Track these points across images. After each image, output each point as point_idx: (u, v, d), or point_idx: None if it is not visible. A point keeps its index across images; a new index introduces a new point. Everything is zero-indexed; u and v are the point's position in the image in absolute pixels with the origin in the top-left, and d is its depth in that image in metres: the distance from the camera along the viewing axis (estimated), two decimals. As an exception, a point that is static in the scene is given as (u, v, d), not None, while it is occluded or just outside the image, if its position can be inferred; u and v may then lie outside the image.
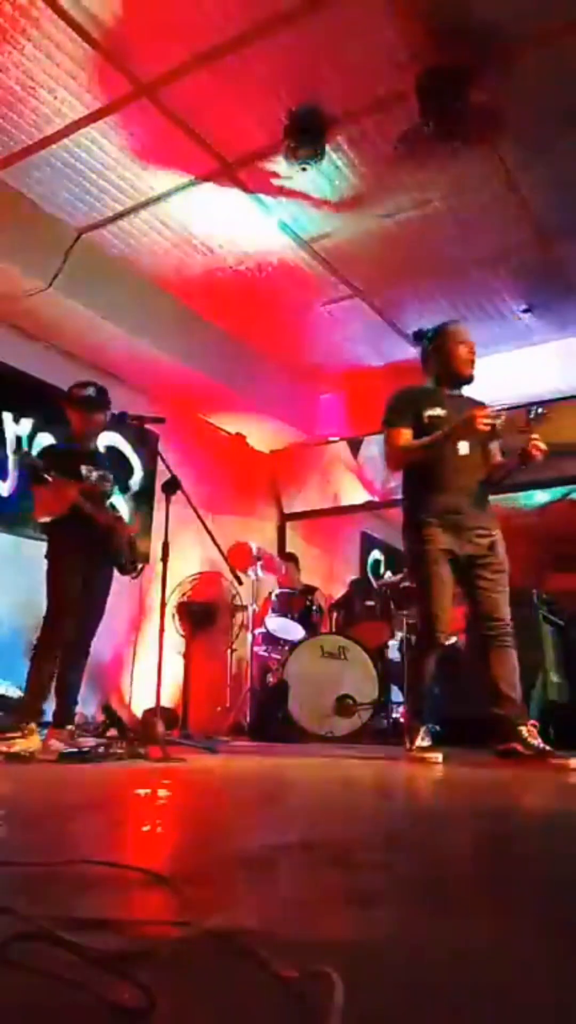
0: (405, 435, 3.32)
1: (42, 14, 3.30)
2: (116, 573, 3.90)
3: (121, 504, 3.93)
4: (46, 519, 3.72)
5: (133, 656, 5.48)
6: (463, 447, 3.29)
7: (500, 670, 3.13)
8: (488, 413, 3.08)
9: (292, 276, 5.23)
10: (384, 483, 9.00)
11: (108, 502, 3.98)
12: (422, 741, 3.25)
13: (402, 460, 3.37)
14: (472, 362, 3.37)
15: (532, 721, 3.12)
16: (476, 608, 3.26)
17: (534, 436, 3.14)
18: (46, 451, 4.05)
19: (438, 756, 3.15)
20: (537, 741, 3.02)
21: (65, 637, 3.64)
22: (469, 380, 3.41)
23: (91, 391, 3.89)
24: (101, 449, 5.58)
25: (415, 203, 4.47)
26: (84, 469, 3.80)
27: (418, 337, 3.53)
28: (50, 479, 3.56)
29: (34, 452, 4.46)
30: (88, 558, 3.75)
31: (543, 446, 3.12)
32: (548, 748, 3.01)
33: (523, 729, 3.04)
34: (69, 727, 3.61)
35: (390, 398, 3.44)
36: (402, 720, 3.51)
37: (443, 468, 3.30)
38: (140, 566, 4.07)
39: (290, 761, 3.49)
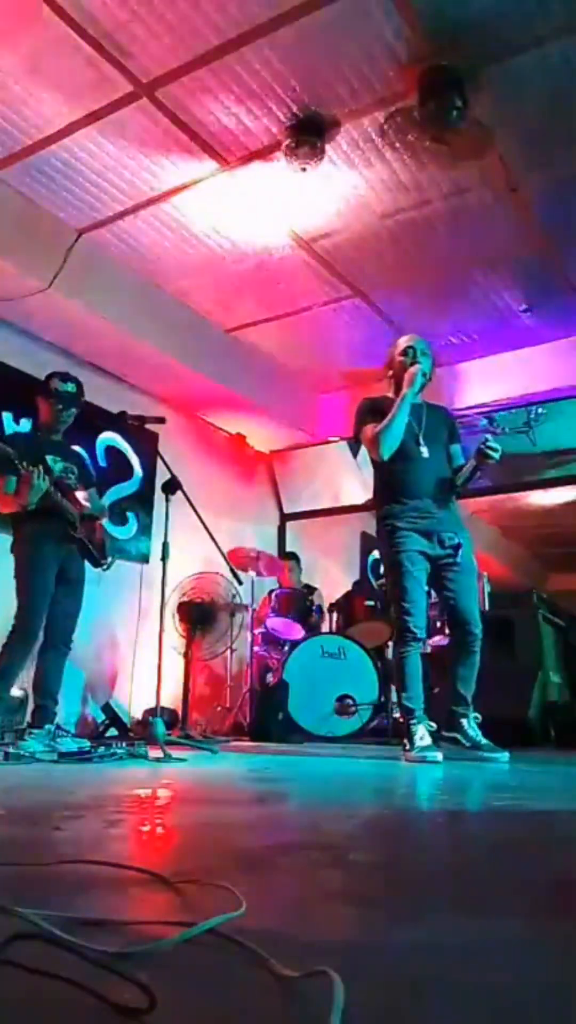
0: (371, 428, 3.50)
1: (42, 14, 3.30)
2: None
3: (84, 497, 3.86)
4: (10, 510, 3.63)
5: (133, 656, 5.47)
6: (425, 450, 3.49)
7: (462, 672, 3.38)
8: (490, 445, 3.30)
9: (292, 276, 5.23)
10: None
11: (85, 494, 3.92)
12: (421, 741, 3.26)
13: (382, 438, 3.45)
14: (407, 368, 3.51)
15: (475, 714, 3.37)
16: (447, 612, 3.49)
17: (487, 438, 3.34)
18: (11, 439, 3.92)
19: (438, 756, 3.17)
20: (473, 733, 3.31)
21: (38, 633, 3.57)
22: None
23: (70, 387, 3.84)
24: (101, 447, 5.59)
25: (415, 203, 4.47)
26: (49, 459, 3.75)
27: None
28: (23, 470, 3.49)
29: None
30: (60, 550, 3.69)
31: (496, 446, 3.30)
32: (483, 742, 3.28)
33: (465, 722, 3.33)
34: (47, 727, 3.55)
35: (356, 411, 3.66)
36: (401, 720, 3.51)
37: (409, 473, 3.48)
38: (111, 558, 4.01)
39: (290, 761, 3.49)
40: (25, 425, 4.95)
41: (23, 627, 3.52)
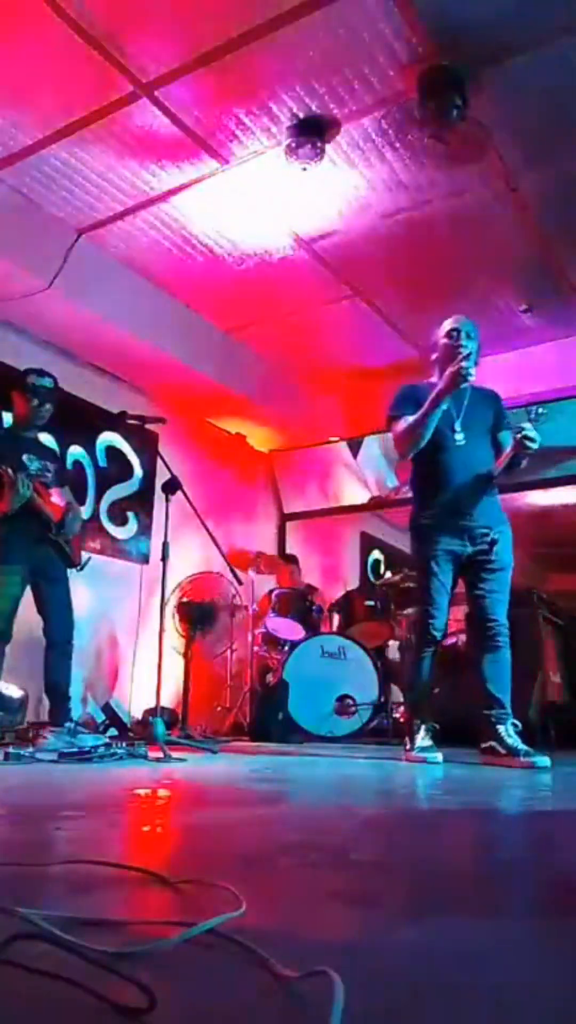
0: (403, 423, 3.29)
1: (42, 14, 3.29)
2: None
3: (59, 494, 3.86)
4: None
5: (133, 656, 5.47)
6: (460, 437, 3.27)
7: (490, 671, 3.16)
8: (527, 435, 3.05)
9: (292, 276, 5.23)
10: (385, 483, 9.01)
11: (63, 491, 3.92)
12: (423, 741, 3.23)
13: (407, 440, 3.27)
14: (455, 350, 3.23)
15: (514, 721, 3.11)
16: (472, 608, 3.27)
17: (523, 427, 3.09)
18: None
19: (438, 756, 3.14)
20: (512, 740, 3.04)
21: (6, 634, 3.56)
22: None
23: (46, 381, 3.83)
24: (101, 447, 5.59)
25: (415, 203, 4.47)
26: (25, 458, 3.73)
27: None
28: (6, 475, 3.48)
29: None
30: (35, 552, 3.67)
31: (534, 435, 3.06)
32: (521, 747, 3.01)
33: (501, 728, 3.06)
34: (68, 724, 3.58)
35: (394, 396, 3.41)
36: (402, 720, 3.50)
37: (443, 466, 3.27)
38: (87, 557, 4.00)
39: (290, 761, 3.49)
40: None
41: None
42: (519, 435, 3.07)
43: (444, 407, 3.21)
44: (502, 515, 3.35)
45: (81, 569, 3.96)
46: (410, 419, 3.25)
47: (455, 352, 3.22)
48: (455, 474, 3.26)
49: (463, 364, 3.11)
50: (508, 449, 3.20)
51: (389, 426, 3.37)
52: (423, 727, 3.25)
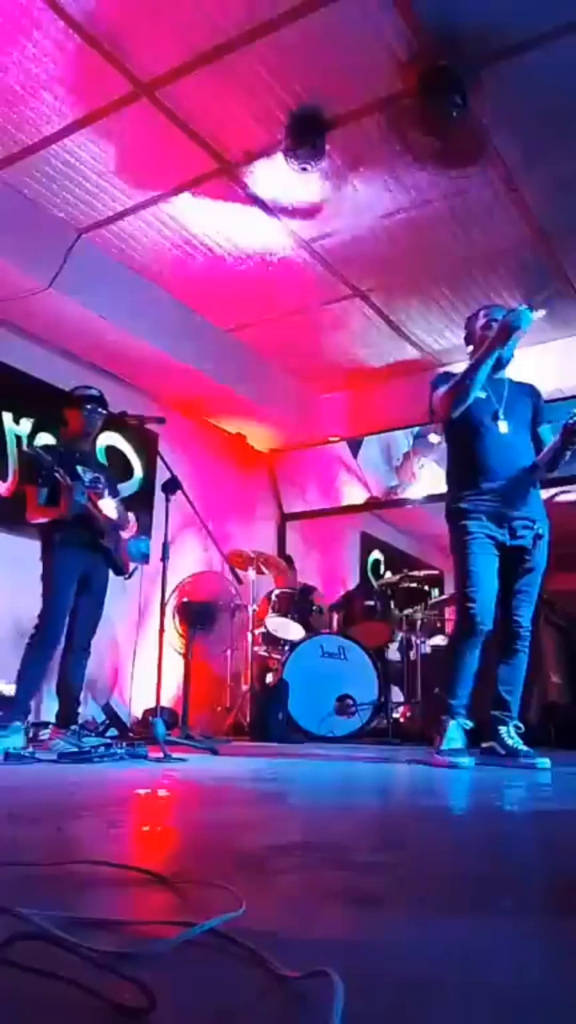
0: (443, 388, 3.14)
1: (42, 14, 3.30)
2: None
3: (111, 506, 3.97)
4: (41, 520, 3.75)
5: (133, 656, 5.47)
6: (504, 426, 3.15)
7: (505, 673, 3.10)
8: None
9: (292, 276, 5.23)
10: (385, 483, 9.00)
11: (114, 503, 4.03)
12: (453, 742, 2.96)
13: (458, 391, 3.08)
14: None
15: (517, 724, 3.08)
16: (498, 605, 3.09)
17: (573, 413, 2.96)
18: (44, 452, 4.01)
19: (470, 762, 2.87)
20: (511, 741, 3.01)
21: (58, 638, 3.70)
22: (501, 362, 3.18)
23: (94, 391, 4.00)
24: (101, 447, 5.60)
25: (415, 203, 4.47)
26: (80, 469, 3.84)
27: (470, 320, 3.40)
28: (64, 482, 3.65)
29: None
30: (87, 559, 3.79)
31: None
32: (522, 748, 2.99)
33: (503, 729, 3.04)
34: (73, 727, 3.63)
35: (431, 383, 3.27)
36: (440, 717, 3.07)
37: (487, 453, 3.14)
38: (134, 566, 4.12)
39: (290, 761, 3.49)
40: (25, 426, 4.95)
41: (42, 633, 3.66)
42: (569, 420, 2.94)
43: (491, 362, 3.08)
44: (544, 510, 3.24)
45: (128, 577, 4.09)
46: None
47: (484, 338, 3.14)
48: (499, 463, 3.12)
49: (511, 317, 3.03)
50: (555, 440, 3.09)
51: (430, 406, 3.22)
52: (455, 724, 2.99)
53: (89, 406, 3.92)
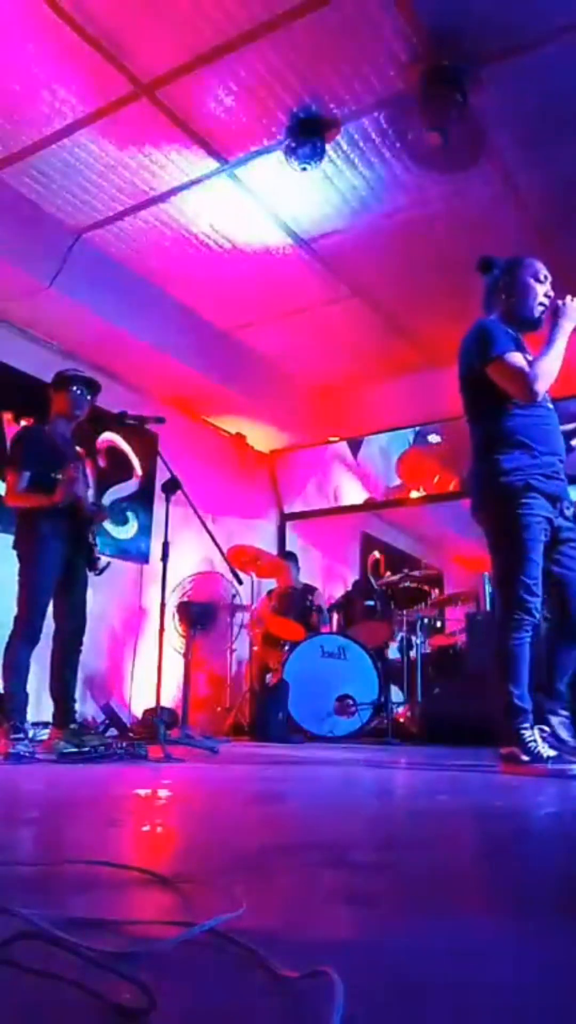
0: (520, 356, 2.82)
1: (42, 14, 3.30)
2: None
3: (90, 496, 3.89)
4: (23, 505, 3.58)
5: (133, 656, 5.48)
6: (549, 401, 2.92)
7: (561, 660, 2.84)
8: None
9: (292, 276, 5.23)
10: (385, 483, 9.00)
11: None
12: (545, 750, 2.60)
13: (540, 376, 2.78)
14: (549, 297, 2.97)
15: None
16: (551, 588, 2.82)
17: None
18: (25, 434, 3.87)
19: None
20: (567, 734, 2.78)
21: (40, 631, 3.51)
22: (537, 325, 2.98)
23: (86, 374, 3.88)
24: (102, 447, 5.58)
25: (415, 203, 4.47)
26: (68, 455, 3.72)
27: (486, 266, 3.10)
28: (72, 470, 3.55)
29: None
30: (70, 550, 3.63)
31: None
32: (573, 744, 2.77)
33: (555, 720, 2.79)
34: (72, 726, 3.58)
35: (479, 331, 2.92)
36: (517, 726, 2.73)
37: (540, 421, 2.87)
38: (107, 561, 3.87)
39: (290, 761, 3.49)
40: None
41: (26, 625, 3.47)
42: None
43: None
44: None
45: (99, 573, 3.82)
46: (522, 358, 2.83)
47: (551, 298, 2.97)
48: (553, 434, 2.89)
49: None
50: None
51: (495, 364, 2.83)
52: (535, 730, 2.65)
53: (75, 387, 3.72)
